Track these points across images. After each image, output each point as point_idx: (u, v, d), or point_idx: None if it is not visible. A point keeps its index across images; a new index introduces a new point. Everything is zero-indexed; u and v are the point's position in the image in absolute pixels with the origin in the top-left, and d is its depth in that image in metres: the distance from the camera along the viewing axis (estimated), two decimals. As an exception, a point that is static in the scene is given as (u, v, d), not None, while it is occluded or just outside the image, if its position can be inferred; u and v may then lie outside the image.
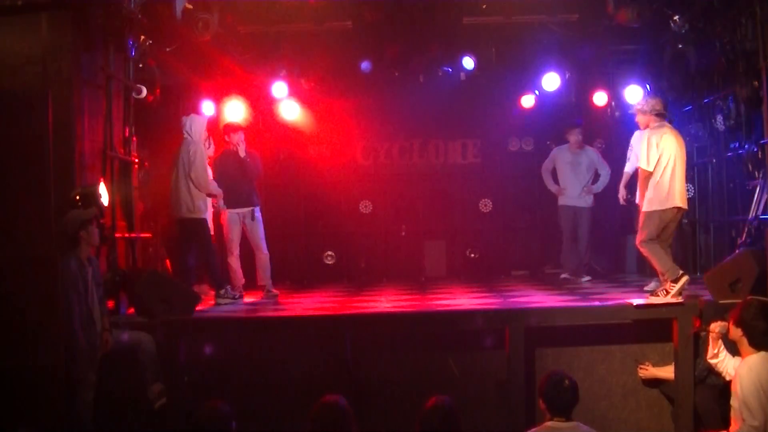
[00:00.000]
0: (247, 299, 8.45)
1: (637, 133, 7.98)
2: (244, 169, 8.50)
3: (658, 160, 6.79)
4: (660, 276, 6.95)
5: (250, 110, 10.66)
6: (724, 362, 5.76)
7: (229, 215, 8.55)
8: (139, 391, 6.21)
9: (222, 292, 8.09)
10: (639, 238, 6.93)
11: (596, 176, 9.82)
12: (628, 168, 8.36)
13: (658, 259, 6.82)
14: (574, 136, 9.73)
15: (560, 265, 10.16)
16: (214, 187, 8.17)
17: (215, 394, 5.21)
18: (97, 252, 6.35)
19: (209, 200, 8.28)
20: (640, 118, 7.14)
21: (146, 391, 6.21)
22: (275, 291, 8.67)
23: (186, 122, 8.11)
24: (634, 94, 9.84)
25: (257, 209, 8.57)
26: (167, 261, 9.08)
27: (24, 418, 5.30)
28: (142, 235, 8.29)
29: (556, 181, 9.95)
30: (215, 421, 4.42)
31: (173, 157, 8.06)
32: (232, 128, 8.72)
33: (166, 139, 8.73)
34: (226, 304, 7.98)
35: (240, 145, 8.57)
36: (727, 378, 5.70)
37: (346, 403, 4.37)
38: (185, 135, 8.04)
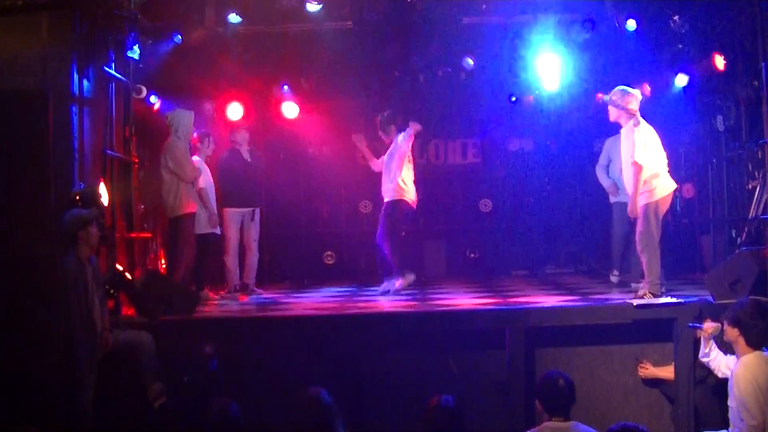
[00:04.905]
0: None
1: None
2: (248, 169, 8.50)
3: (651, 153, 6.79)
4: (646, 277, 6.92)
5: (250, 110, 10.65)
6: (717, 360, 5.78)
7: (231, 214, 8.55)
8: (139, 391, 6.20)
9: None
10: (643, 240, 6.80)
11: None
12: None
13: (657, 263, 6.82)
14: None
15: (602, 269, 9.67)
16: (197, 178, 7.94)
17: (215, 393, 5.21)
18: (97, 252, 6.35)
19: (212, 196, 8.26)
20: (611, 111, 6.96)
21: (146, 391, 6.21)
22: (259, 290, 8.69)
23: (170, 119, 7.87)
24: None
25: (257, 210, 8.55)
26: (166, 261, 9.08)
27: (24, 418, 5.31)
28: (142, 235, 8.28)
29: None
30: (223, 418, 4.43)
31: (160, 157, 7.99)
32: (236, 127, 8.72)
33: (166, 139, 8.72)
34: None
35: (243, 144, 8.56)
36: (720, 375, 5.73)
37: (327, 395, 4.39)
38: (171, 132, 7.84)
